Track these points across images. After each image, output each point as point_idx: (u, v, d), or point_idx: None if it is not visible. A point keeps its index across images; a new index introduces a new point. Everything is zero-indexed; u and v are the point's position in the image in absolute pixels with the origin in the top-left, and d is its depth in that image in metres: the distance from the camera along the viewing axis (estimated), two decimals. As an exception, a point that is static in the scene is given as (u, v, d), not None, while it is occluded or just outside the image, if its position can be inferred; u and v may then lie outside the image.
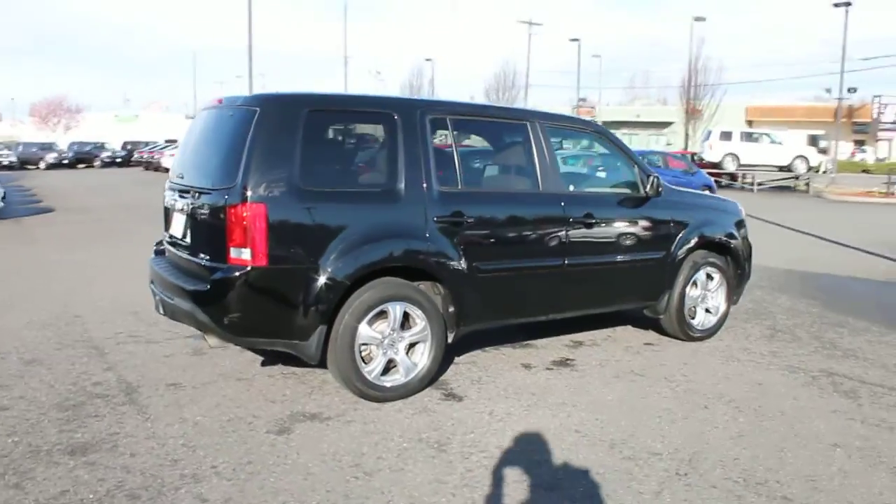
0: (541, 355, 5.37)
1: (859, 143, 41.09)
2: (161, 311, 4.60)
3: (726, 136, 29.29)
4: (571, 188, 5.07)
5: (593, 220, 5.08)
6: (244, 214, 3.93)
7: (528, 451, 3.71)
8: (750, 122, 49.61)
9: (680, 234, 5.55)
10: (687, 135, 42.76)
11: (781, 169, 29.01)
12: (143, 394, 4.44)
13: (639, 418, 4.17)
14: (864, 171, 39.41)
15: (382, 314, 4.29)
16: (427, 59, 66.05)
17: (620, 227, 5.29)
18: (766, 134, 30.70)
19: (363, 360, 4.26)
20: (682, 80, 44.55)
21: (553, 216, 4.91)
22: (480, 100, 47.38)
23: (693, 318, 5.78)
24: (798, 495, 3.27)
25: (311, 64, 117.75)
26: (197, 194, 4.30)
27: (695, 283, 5.72)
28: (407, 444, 3.76)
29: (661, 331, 5.93)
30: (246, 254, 3.96)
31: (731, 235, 5.90)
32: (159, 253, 5.15)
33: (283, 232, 4.01)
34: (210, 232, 4.20)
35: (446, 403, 4.36)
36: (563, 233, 4.94)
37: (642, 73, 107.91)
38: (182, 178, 4.61)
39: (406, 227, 4.34)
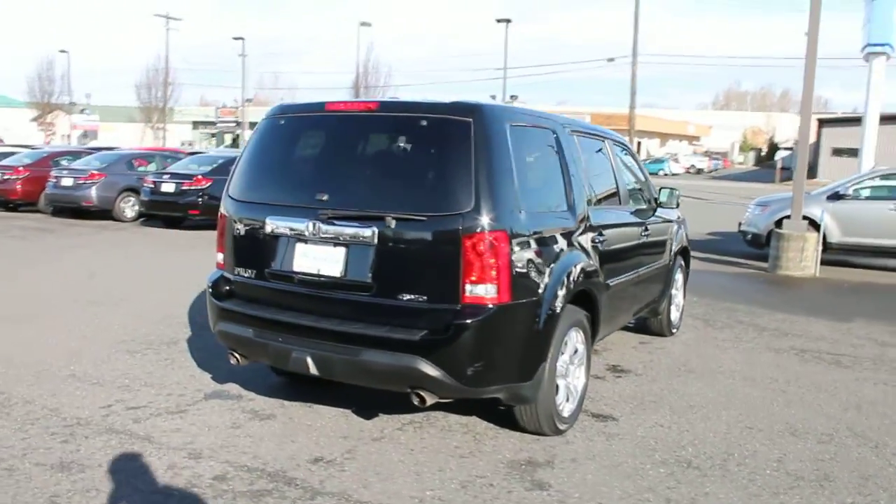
0: (587, 365, 5.55)
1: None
2: (314, 371, 3.69)
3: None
4: (631, 202, 5.36)
5: (649, 231, 5.47)
6: (487, 244, 3.42)
7: (750, 453, 3.97)
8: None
9: (674, 240, 6.24)
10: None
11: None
12: (300, 476, 3.52)
13: (765, 409, 4.71)
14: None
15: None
16: (62, 51, 59.89)
17: (656, 235, 5.75)
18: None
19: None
20: (353, 82, 46.62)
21: (636, 228, 5.17)
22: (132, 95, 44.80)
23: (671, 316, 6.52)
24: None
25: None
26: (392, 222, 3.52)
27: (673, 284, 6.47)
28: (664, 469, 3.73)
29: (632, 329, 6.55)
30: (487, 290, 3.45)
31: (687, 237, 6.78)
32: (228, 295, 4.05)
33: (518, 262, 3.60)
34: (423, 267, 3.52)
35: (612, 424, 4.34)
36: (639, 244, 5.23)
37: (271, 74, 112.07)
38: (326, 199, 3.71)
39: (582, 248, 4.20)
